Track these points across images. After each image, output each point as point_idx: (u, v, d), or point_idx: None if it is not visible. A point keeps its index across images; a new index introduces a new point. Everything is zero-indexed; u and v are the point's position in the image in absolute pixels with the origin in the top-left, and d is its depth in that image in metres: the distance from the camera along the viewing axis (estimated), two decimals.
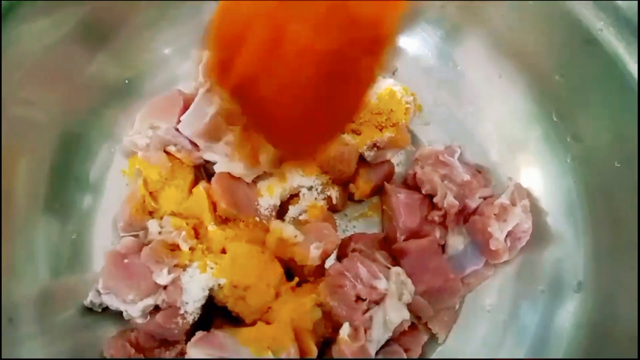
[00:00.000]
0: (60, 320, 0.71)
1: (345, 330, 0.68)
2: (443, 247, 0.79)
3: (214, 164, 0.77)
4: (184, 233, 0.70)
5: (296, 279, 0.72)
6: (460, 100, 0.90)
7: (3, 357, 0.63)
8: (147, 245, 0.70)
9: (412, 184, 0.81)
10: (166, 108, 0.77)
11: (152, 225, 0.73)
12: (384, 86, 0.80)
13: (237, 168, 0.73)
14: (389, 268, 0.72)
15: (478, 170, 0.83)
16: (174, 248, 0.70)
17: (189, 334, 0.68)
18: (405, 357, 0.71)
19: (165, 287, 0.67)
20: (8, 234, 0.69)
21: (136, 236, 0.75)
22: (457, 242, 0.79)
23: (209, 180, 0.77)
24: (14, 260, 0.69)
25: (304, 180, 0.78)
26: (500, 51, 0.85)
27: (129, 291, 0.66)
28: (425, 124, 0.89)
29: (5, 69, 0.70)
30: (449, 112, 0.90)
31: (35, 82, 0.75)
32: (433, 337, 0.76)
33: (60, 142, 0.79)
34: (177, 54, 0.89)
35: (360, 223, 0.83)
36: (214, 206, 0.75)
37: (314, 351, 0.68)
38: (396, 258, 0.76)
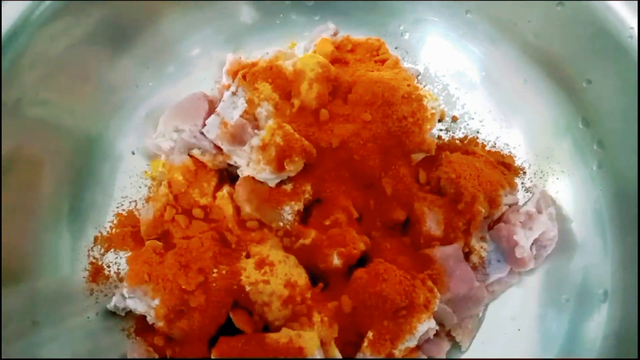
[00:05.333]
0: (82, 322, 0.71)
1: (370, 337, 0.67)
2: (467, 255, 0.78)
3: (237, 167, 0.76)
4: None
5: (321, 285, 0.72)
6: (486, 106, 0.90)
7: (16, 357, 0.63)
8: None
9: (435, 189, 0.80)
10: (191, 111, 0.77)
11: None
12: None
13: (262, 172, 0.73)
14: (415, 275, 0.71)
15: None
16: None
17: (213, 338, 0.67)
18: None
19: (190, 292, 0.66)
20: (34, 236, 0.70)
21: (159, 239, 0.74)
22: (481, 249, 0.78)
23: (232, 184, 0.77)
24: (39, 262, 0.70)
25: None
26: (526, 57, 0.85)
27: (155, 295, 0.66)
28: (450, 130, 0.89)
29: (26, 70, 0.70)
30: (474, 118, 0.89)
31: (56, 84, 0.75)
32: (456, 345, 0.75)
33: (83, 143, 0.80)
34: (201, 56, 0.89)
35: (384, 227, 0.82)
36: (237, 210, 0.74)
37: (338, 358, 0.67)
38: (421, 264, 0.75)
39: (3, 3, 0.71)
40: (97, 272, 0.74)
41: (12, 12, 0.71)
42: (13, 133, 0.69)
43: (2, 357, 0.61)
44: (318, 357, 0.65)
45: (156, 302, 0.66)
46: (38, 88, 0.73)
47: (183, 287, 0.66)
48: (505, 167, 0.84)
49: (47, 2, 0.72)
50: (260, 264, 0.69)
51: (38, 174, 0.73)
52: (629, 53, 0.73)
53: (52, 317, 0.68)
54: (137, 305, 0.67)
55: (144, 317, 0.69)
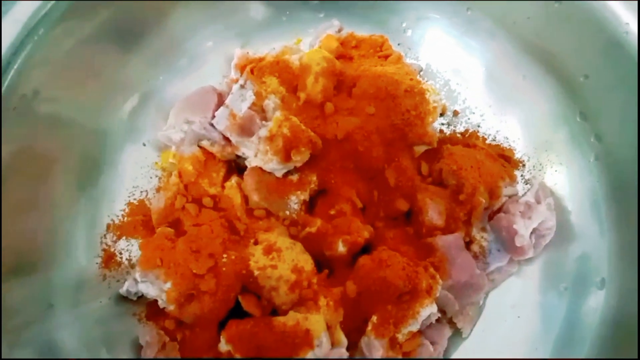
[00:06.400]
0: (95, 307, 0.73)
1: (374, 321, 0.69)
2: (468, 244, 0.80)
3: (245, 158, 0.78)
4: None
5: (326, 271, 0.74)
6: (486, 101, 0.92)
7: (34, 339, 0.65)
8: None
9: (437, 180, 0.82)
10: (200, 103, 0.80)
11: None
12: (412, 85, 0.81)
13: (269, 163, 0.75)
14: (417, 262, 0.73)
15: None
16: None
17: (222, 322, 0.70)
18: (432, 349, 0.72)
19: (201, 276, 0.68)
20: (51, 225, 0.73)
21: (170, 226, 0.76)
22: (482, 238, 0.80)
23: (240, 175, 0.79)
24: (56, 249, 0.72)
25: None
26: (525, 53, 0.87)
27: (166, 279, 0.68)
28: (451, 124, 0.91)
29: (39, 67, 0.72)
30: (474, 112, 0.92)
31: (68, 80, 0.77)
32: (457, 332, 0.77)
33: (95, 137, 0.82)
34: (210, 52, 0.92)
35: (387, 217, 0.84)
36: (245, 199, 0.77)
37: (343, 341, 0.69)
38: (423, 253, 0.77)
39: (17, 3, 0.72)
40: (109, 259, 0.77)
41: (24, 12, 0.72)
42: (27, 128, 0.71)
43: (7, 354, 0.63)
44: (324, 339, 0.67)
45: (168, 285, 0.68)
46: (51, 85, 0.75)
47: (194, 271, 0.68)
48: (505, 159, 0.86)
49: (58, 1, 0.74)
50: (268, 250, 0.71)
51: (53, 167, 0.75)
52: (625, 49, 0.75)
53: (67, 302, 0.71)
54: (149, 289, 0.69)
55: (154, 302, 0.71)
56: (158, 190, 0.82)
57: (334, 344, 0.69)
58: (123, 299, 0.74)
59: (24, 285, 0.67)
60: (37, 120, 0.73)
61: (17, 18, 0.70)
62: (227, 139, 0.78)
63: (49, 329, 0.68)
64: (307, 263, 0.72)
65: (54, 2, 0.74)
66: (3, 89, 0.68)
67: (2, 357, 0.61)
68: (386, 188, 0.80)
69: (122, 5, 0.80)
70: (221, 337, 0.67)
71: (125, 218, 0.80)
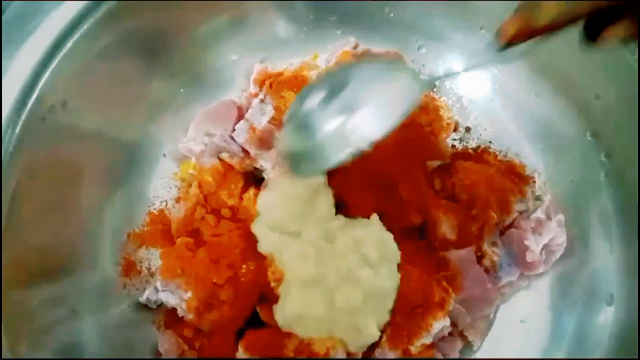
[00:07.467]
0: (116, 314, 0.75)
1: (387, 334, 0.71)
2: (479, 258, 0.81)
3: (263, 171, 0.80)
4: None
5: None
6: (498, 118, 0.93)
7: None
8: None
9: (450, 195, 0.84)
10: (221, 116, 0.82)
11: None
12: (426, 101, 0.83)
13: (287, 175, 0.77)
14: (431, 275, 0.75)
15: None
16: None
17: (240, 331, 0.71)
18: None
19: (220, 286, 0.70)
20: (74, 229, 0.75)
21: (189, 236, 0.78)
22: (493, 253, 0.81)
23: (257, 187, 0.81)
24: (79, 254, 0.74)
25: None
26: (537, 72, 0.89)
27: (187, 288, 0.69)
28: (463, 140, 0.93)
29: (66, 78, 0.74)
30: (487, 129, 0.93)
31: (93, 93, 0.79)
32: (468, 345, 0.78)
33: (119, 147, 0.84)
34: (229, 66, 0.93)
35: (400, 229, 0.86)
36: None
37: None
38: (436, 266, 0.79)
39: (49, 15, 0.74)
40: (129, 267, 0.78)
41: (55, 26, 0.73)
42: (55, 138, 0.73)
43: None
44: (340, 349, 0.68)
45: (188, 294, 0.69)
46: (78, 96, 0.76)
47: (214, 280, 0.69)
48: (516, 176, 0.87)
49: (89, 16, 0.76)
50: None
51: (78, 176, 0.77)
52: (635, 69, 0.76)
53: (89, 307, 0.72)
54: (170, 298, 0.71)
55: (173, 310, 0.72)
56: (178, 200, 0.83)
57: (349, 355, 0.70)
58: (142, 306, 0.76)
59: (50, 289, 0.69)
60: (64, 130, 0.74)
61: (48, 31, 0.72)
62: (246, 152, 0.80)
63: (71, 332, 0.70)
64: None
65: (82, 14, 0.75)
66: (32, 99, 0.70)
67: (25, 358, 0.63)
68: (400, 202, 0.81)
69: (147, 19, 0.82)
70: (239, 345, 0.69)
71: (146, 227, 0.82)
